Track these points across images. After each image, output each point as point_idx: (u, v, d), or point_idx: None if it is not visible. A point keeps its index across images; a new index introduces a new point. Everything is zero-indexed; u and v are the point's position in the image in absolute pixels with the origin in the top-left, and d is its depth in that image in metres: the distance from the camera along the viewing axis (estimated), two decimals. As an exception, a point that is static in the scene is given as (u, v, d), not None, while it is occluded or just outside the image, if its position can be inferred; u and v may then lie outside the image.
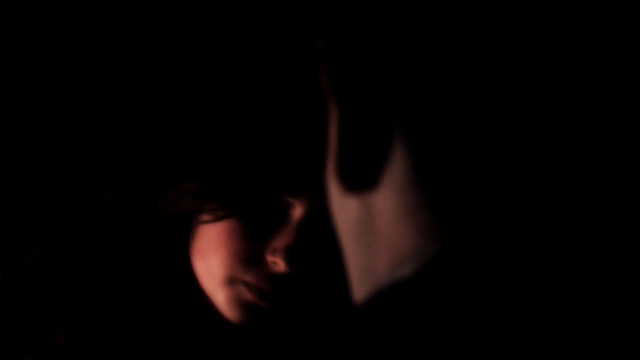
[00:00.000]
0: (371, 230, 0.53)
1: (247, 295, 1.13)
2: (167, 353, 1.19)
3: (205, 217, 1.16)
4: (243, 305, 1.14)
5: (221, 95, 1.20)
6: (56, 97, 1.63)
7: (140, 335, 1.19)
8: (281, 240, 1.12)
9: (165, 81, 1.57)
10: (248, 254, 1.13)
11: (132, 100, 1.60)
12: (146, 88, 1.60)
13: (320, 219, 1.13)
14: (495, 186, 0.49)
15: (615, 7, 0.47)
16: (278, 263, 1.12)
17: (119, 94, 1.62)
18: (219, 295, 1.15)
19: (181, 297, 1.20)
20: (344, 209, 0.54)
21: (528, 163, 0.49)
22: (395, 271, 0.51)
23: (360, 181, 0.52)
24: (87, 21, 1.60)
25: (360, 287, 0.53)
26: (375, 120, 0.52)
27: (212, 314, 1.17)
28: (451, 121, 0.50)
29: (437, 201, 0.50)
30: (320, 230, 1.14)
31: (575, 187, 0.49)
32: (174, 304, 1.20)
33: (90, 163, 1.58)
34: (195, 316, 1.20)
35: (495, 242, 0.49)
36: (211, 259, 1.15)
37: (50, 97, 1.63)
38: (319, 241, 1.14)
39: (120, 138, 1.54)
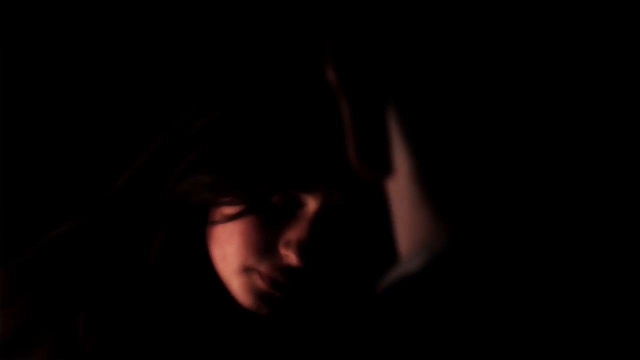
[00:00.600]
0: (395, 215, 0.54)
1: (261, 284, 1.14)
2: (182, 337, 1.20)
3: (222, 210, 1.16)
4: (257, 293, 1.15)
5: (242, 86, 1.20)
6: (77, 77, 1.63)
7: (157, 320, 1.20)
8: (294, 233, 1.13)
9: (186, 66, 1.57)
10: (262, 244, 1.14)
11: (153, 82, 1.60)
12: (168, 71, 1.60)
13: (334, 214, 1.14)
14: (499, 182, 0.50)
15: (615, 7, 0.47)
16: (290, 256, 1.13)
17: (140, 75, 1.62)
18: (233, 282, 1.16)
19: (198, 282, 1.21)
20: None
21: (530, 160, 0.49)
22: (403, 266, 0.51)
23: (376, 171, 0.53)
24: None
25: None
26: (382, 115, 0.52)
27: (228, 300, 1.18)
28: (454, 117, 0.50)
29: (440, 196, 0.51)
30: (333, 225, 1.15)
31: (578, 181, 0.49)
32: (191, 289, 1.21)
33: (109, 146, 1.58)
34: (212, 302, 1.20)
35: (499, 239, 0.49)
36: (227, 247, 1.16)
37: (70, 77, 1.63)
38: (332, 237, 1.15)
39: (140, 120, 1.54)
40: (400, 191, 0.53)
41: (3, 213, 1.55)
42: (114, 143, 1.57)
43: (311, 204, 1.14)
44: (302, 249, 1.12)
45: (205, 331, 1.20)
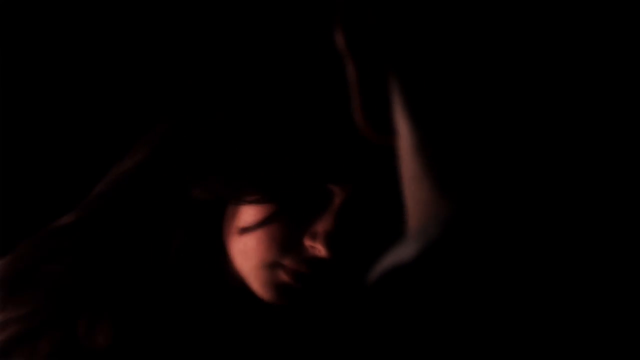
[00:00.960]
0: (404, 190, 0.54)
1: (284, 277, 1.13)
2: (199, 331, 1.18)
3: (244, 206, 1.14)
4: (278, 286, 1.13)
5: (262, 77, 1.17)
6: (84, 67, 1.61)
7: (170, 316, 1.18)
8: (321, 225, 1.12)
9: (201, 56, 1.54)
10: (286, 238, 1.13)
11: (169, 73, 1.58)
12: (182, 61, 1.58)
13: (360, 205, 1.13)
14: (501, 158, 0.49)
15: (615, 7, 0.47)
16: (317, 248, 1.12)
17: (152, 66, 1.60)
18: (253, 277, 1.14)
19: (216, 276, 1.19)
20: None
21: (535, 140, 0.48)
22: (396, 254, 0.50)
23: (381, 133, 0.54)
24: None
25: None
26: (387, 80, 0.52)
27: (245, 292, 1.16)
28: (457, 89, 0.49)
29: (441, 169, 0.50)
30: (359, 217, 1.13)
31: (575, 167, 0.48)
32: (207, 284, 1.19)
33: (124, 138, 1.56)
34: (228, 294, 1.19)
35: (501, 219, 0.48)
36: (248, 242, 1.14)
37: (77, 68, 1.62)
38: (358, 228, 1.14)
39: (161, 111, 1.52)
40: (404, 163, 0.53)
41: (3, 211, 1.53)
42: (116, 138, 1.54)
43: (337, 196, 1.13)
44: (329, 239, 1.11)
45: (218, 326, 1.19)
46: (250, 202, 1.13)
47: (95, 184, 1.21)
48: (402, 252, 0.49)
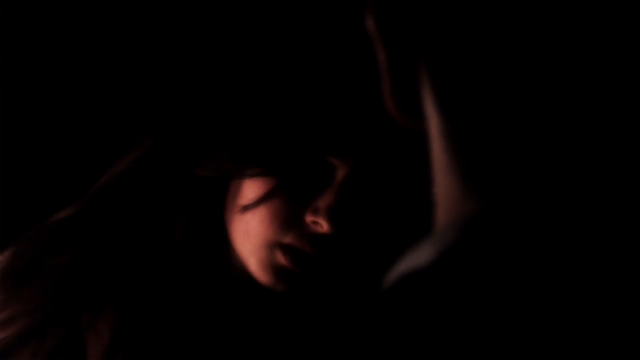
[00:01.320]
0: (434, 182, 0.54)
1: (282, 259, 1.10)
2: (202, 321, 1.17)
3: (247, 182, 1.13)
4: (276, 270, 1.11)
5: (268, 48, 1.16)
6: (83, 62, 1.61)
7: (178, 306, 1.16)
8: (323, 200, 1.10)
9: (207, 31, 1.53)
10: (288, 215, 1.11)
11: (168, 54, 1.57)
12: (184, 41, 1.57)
13: (363, 180, 1.11)
14: (529, 157, 0.48)
15: (615, 7, 0.47)
16: (320, 222, 1.09)
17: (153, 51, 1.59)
18: (252, 258, 1.12)
19: (219, 266, 1.17)
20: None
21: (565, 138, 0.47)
22: (413, 258, 0.49)
23: (411, 119, 0.54)
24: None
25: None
26: (417, 67, 0.52)
27: (248, 283, 1.14)
28: (486, 81, 0.48)
29: (468, 163, 0.50)
30: (362, 191, 1.11)
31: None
32: (212, 273, 1.17)
33: (124, 121, 1.55)
34: (232, 285, 1.17)
35: (520, 227, 0.47)
36: (251, 222, 1.12)
37: (77, 63, 1.61)
38: (361, 202, 1.11)
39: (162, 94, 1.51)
40: (434, 153, 0.52)
41: (3, 210, 1.53)
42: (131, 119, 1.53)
43: (340, 170, 1.10)
44: (331, 214, 1.09)
45: (221, 309, 1.17)
46: (253, 175, 1.11)
47: (95, 182, 1.20)
48: (419, 257, 0.48)
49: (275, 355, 0.51)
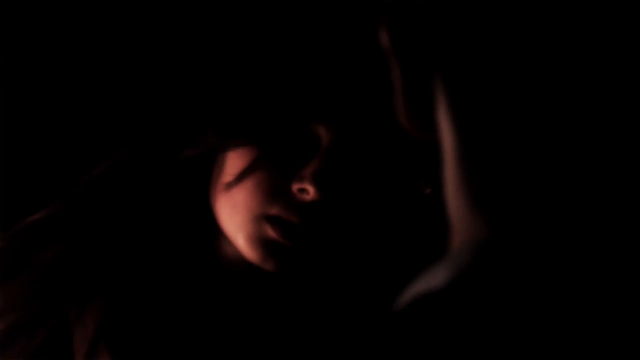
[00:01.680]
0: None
1: (271, 233, 1.08)
2: (190, 308, 1.15)
3: (231, 156, 1.12)
4: (265, 244, 1.09)
5: (248, 17, 1.16)
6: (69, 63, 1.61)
7: (168, 300, 1.15)
8: (309, 167, 1.08)
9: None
10: (274, 184, 1.09)
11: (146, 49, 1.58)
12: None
13: (348, 146, 1.09)
14: (542, 181, 0.48)
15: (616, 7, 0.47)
16: (307, 189, 1.07)
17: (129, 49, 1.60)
18: (240, 234, 1.10)
19: (206, 251, 1.16)
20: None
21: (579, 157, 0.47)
22: (426, 280, 0.48)
23: (425, 133, 0.54)
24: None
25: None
26: (431, 82, 0.52)
27: (235, 267, 1.13)
28: (501, 100, 0.48)
29: (480, 184, 0.49)
30: (348, 157, 1.09)
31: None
32: (199, 258, 1.16)
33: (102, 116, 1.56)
34: (219, 270, 1.15)
35: (531, 250, 0.47)
36: (237, 196, 1.10)
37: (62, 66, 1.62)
38: (348, 168, 1.09)
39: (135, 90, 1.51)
40: (447, 172, 0.52)
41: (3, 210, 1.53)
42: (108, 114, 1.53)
43: (324, 137, 1.09)
44: (318, 179, 1.07)
45: (213, 295, 1.15)
46: (237, 146, 1.10)
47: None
48: (433, 279, 0.48)
49: (268, 351, 0.51)
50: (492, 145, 0.48)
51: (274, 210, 1.07)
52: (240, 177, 1.09)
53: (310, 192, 1.06)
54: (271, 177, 1.08)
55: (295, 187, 1.07)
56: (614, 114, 0.46)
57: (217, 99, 1.13)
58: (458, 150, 0.50)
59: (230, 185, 1.10)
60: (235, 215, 1.10)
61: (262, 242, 1.08)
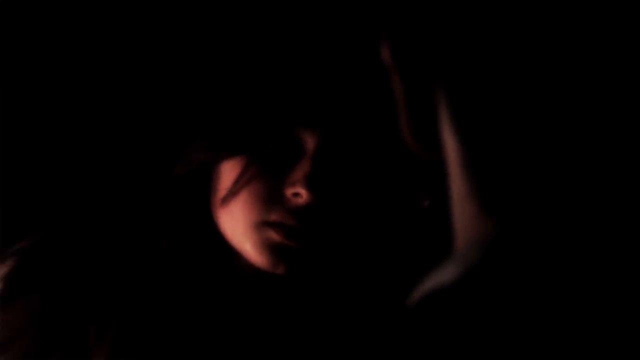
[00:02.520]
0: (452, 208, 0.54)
1: (275, 237, 1.11)
2: (206, 319, 1.17)
3: (224, 170, 1.15)
4: (272, 248, 1.12)
5: (236, 28, 1.18)
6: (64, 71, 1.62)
7: (182, 311, 1.17)
8: (299, 171, 1.12)
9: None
10: (269, 192, 1.12)
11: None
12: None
13: (336, 148, 1.12)
14: (547, 184, 0.48)
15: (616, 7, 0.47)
16: (299, 193, 1.11)
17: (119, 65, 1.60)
18: (246, 243, 1.13)
19: (215, 259, 1.18)
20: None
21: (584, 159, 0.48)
22: (436, 277, 0.49)
23: (430, 150, 0.54)
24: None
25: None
26: (433, 96, 0.52)
27: (245, 270, 1.16)
28: (504, 109, 0.48)
29: (487, 190, 0.50)
30: (336, 158, 1.13)
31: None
32: (209, 268, 1.18)
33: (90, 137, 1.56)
34: (232, 280, 1.18)
35: (540, 248, 0.47)
36: (234, 208, 1.13)
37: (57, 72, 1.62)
38: (337, 169, 1.13)
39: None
40: (452, 181, 0.52)
41: (3, 211, 1.53)
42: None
43: (310, 141, 1.12)
44: (308, 182, 1.10)
45: (224, 307, 1.17)
46: (228, 157, 1.13)
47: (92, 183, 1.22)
48: (443, 276, 0.48)
49: (283, 355, 0.51)
50: (497, 151, 0.49)
51: (273, 217, 1.11)
52: (234, 190, 1.12)
53: (304, 195, 1.10)
54: (265, 185, 1.12)
55: (288, 192, 1.10)
56: (617, 119, 0.47)
57: (201, 112, 1.15)
58: (464, 160, 0.50)
59: (226, 199, 1.13)
60: (237, 227, 1.12)
61: (268, 247, 1.11)
